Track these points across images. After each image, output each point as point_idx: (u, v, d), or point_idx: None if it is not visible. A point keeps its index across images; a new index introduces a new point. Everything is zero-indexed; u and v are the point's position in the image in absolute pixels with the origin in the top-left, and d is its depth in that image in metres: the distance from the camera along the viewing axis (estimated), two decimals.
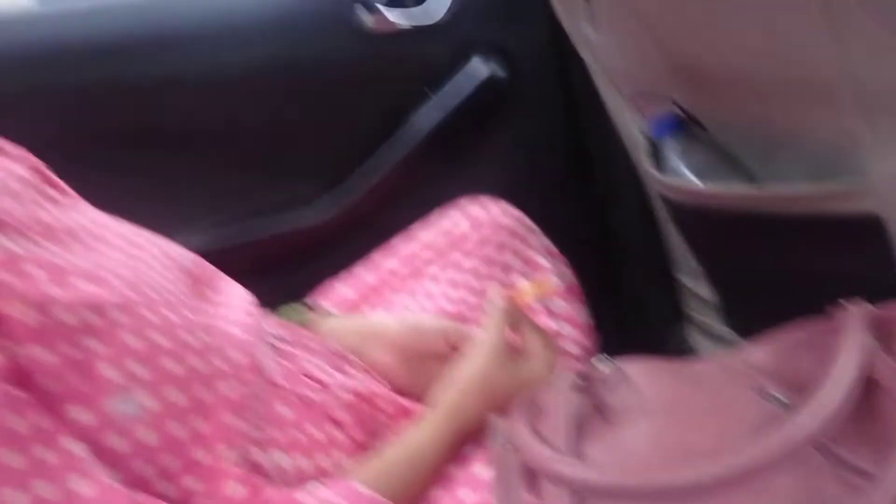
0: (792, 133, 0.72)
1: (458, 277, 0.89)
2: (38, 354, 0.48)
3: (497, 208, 0.92)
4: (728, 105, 0.77)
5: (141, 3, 1.16)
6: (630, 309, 1.30)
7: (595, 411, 0.55)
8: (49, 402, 0.48)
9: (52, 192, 0.68)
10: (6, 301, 0.48)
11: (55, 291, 0.51)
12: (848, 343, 0.51)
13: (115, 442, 0.51)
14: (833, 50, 0.58)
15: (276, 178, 1.18)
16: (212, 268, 0.75)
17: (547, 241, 0.93)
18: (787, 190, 0.74)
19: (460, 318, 0.85)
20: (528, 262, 0.90)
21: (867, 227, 0.68)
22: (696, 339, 1.16)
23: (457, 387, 0.68)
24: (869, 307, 0.57)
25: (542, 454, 0.52)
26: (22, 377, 0.47)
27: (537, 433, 0.54)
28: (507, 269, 0.89)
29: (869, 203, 0.67)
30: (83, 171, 0.70)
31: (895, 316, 0.60)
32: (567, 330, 0.89)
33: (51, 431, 0.47)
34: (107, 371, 0.51)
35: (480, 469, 0.60)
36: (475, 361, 0.68)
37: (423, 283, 0.91)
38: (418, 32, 1.17)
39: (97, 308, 0.53)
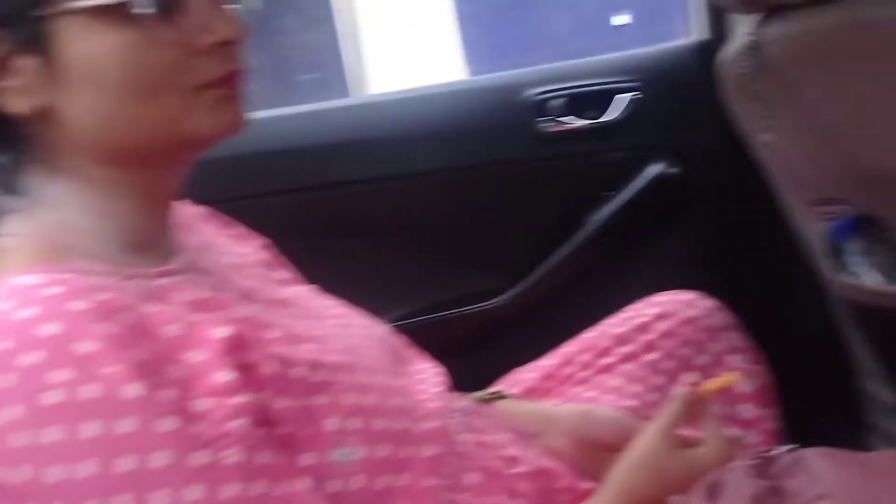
0: None
1: (638, 371, 0.88)
2: (275, 401, 0.57)
3: (686, 301, 0.91)
4: None
5: (349, 107, 1.33)
6: (810, 414, 1.26)
7: (772, 495, 0.57)
8: (284, 444, 0.56)
9: (282, 272, 0.80)
10: (253, 352, 0.57)
11: (289, 350, 0.60)
12: None
13: (333, 486, 0.58)
14: None
15: (462, 271, 1.27)
16: (407, 344, 0.83)
17: (742, 339, 0.90)
18: None
19: (638, 412, 0.84)
20: (716, 359, 0.88)
21: None
22: (880, 447, 1.11)
23: (627, 466, 0.70)
24: None
25: None
26: (262, 419, 0.56)
27: None
28: (691, 364, 0.87)
29: None
30: (299, 256, 0.83)
31: None
32: (751, 437, 0.88)
33: (288, 468, 0.55)
34: (328, 422, 0.59)
35: None
36: (646, 443, 0.71)
37: (603, 375, 0.91)
38: (596, 134, 1.25)
39: (320, 366, 0.61)
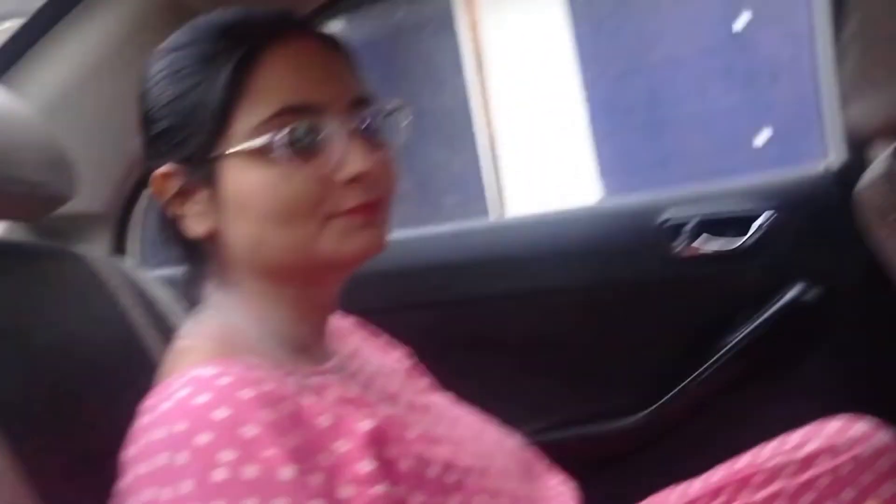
0: None
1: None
2: (411, 496, 0.61)
3: (858, 433, 0.82)
4: None
5: (488, 227, 1.40)
6: None
7: None
8: None
9: (422, 380, 0.85)
10: (393, 448, 0.62)
11: (426, 449, 0.65)
12: None
13: None
14: None
15: (595, 388, 1.28)
16: (537, 457, 0.86)
17: None
18: None
19: None
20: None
21: None
22: None
23: None
24: None
25: None
26: None
27: None
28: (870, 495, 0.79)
29: None
30: (437, 367, 0.87)
31: None
32: None
33: None
34: None
35: None
36: None
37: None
38: (730, 258, 1.25)
39: (454, 468, 0.65)
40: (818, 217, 1.24)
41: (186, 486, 0.53)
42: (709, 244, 1.25)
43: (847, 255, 1.20)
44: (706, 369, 1.23)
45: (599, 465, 1.23)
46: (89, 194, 1.01)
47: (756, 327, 1.22)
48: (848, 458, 0.80)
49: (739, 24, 3.60)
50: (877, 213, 0.93)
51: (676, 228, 1.26)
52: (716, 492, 0.87)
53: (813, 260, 1.24)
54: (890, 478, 0.79)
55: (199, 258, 0.70)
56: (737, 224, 1.25)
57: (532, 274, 1.30)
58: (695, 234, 1.25)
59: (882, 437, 0.82)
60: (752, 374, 1.23)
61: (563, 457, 0.96)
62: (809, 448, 0.82)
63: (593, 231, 1.32)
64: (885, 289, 1.07)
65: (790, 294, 1.22)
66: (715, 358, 1.23)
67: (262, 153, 0.63)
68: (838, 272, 1.23)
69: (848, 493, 0.79)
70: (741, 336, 1.22)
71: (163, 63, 0.67)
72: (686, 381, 1.24)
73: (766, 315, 1.22)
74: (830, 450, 0.81)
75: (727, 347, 1.23)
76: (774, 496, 0.82)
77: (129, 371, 0.74)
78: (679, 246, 1.26)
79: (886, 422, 0.86)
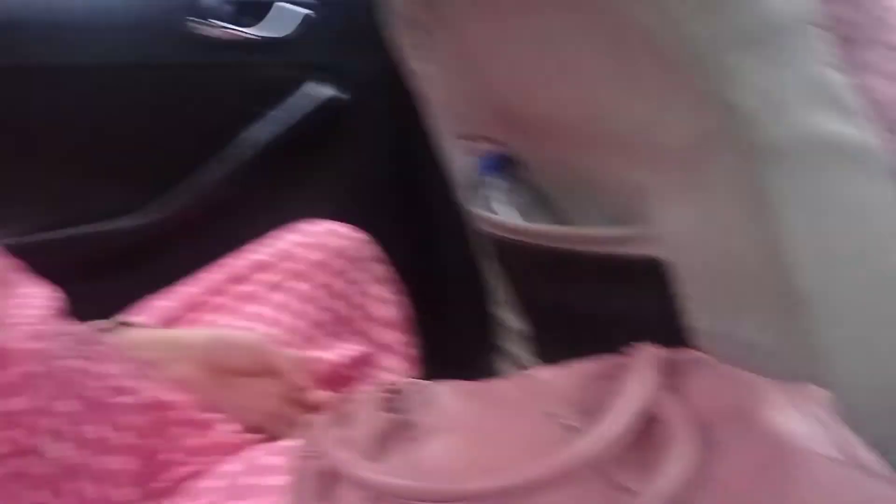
0: (596, 179, 0.78)
1: (286, 300, 0.88)
2: None
3: (336, 231, 0.91)
4: (545, 149, 0.82)
5: None
6: (448, 339, 1.34)
7: (400, 428, 0.57)
8: None
9: None
10: None
11: None
12: (635, 379, 0.56)
13: None
14: (634, 110, 0.65)
15: (98, 183, 1.13)
16: (14, 266, 0.71)
17: (388, 270, 0.93)
18: (585, 231, 0.80)
19: (284, 340, 0.84)
20: (364, 289, 0.91)
21: (655, 272, 0.74)
22: (508, 370, 1.21)
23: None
24: (658, 349, 0.63)
25: (342, 459, 0.53)
26: None
27: (341, 442, 0.56)
28: (341, 295, 0.89)
29: (655, 249, 0.73)
30: None
31: (680, 359, 0.67)
32: (396, 362, 0.90)
33: None
34: None
35: (277, 479, 0.60)
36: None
37: (248, 303, 0.88)
38: (255, 48, 1.17)
39: None
40: (349, 17, 1.20)
41: None
42: (235, 30, 1.15)
43: (376, 55, 1.20)
44: (219, 167, 1.16)
45: (95, 271, 1.11)
46: None
47: (276, 124, 1.17)
48: (330, 252, 0.89)
49: None
50: (399, 12, 0.92)
51: (206, 10, 1.12)
52: (207, 290, 0.89)
53: (341, 58, 1.21)
54: (363, 268, 0.90)
55: None
56: (263, 11, 1.16)
57: (36, 47, 1.05)
58: (222, 17, 1.13)
59: (356, 235, 0.91)
60: (268, 175, 1.19)
61: (48, 264, 0.83)
62: (298, 243, 0.89)
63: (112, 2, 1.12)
64: (404, 91, 1.09)
65: (315, 91, 1.19)
66: (228, 155, 1.16)
67: None
68: (367, 73, 1.22)
69: (333, 281, 0.88)
70: (260, 133, 1.17)
71: None
72: (194, 179, 1.15)
73: (288, 112, 1.18)
74: (316, 245, 0.89)
75: (243, 145, 1.16)
76: (271, 287, 0.87)
77: None
78: (205, 28, 1.13)
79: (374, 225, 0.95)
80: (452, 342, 1.32)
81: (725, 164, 0.64)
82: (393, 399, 0.58)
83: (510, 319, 1.15)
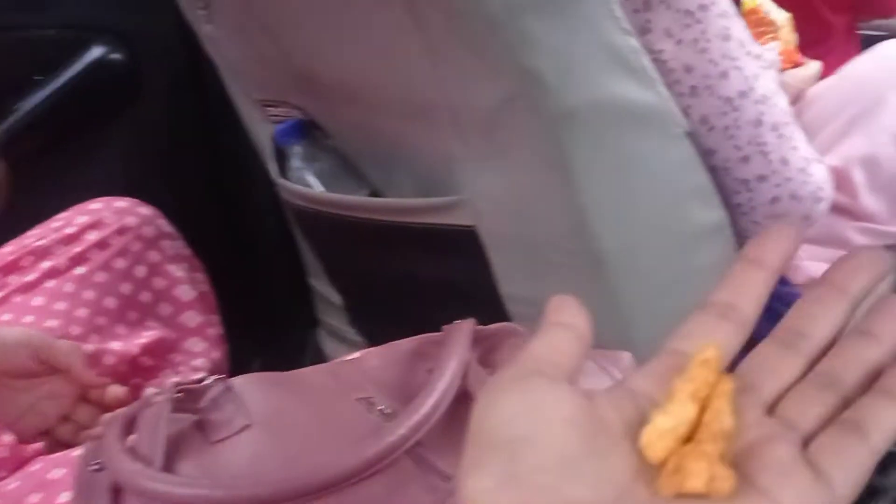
0: (402, 147, 0.75)
1: (64, 287, 0.79)
2: None
3: (122, 208, 0.84)
4: (346, 116, 0.79)
5: None
6: (267, 315, 1.28)
7: (197, 430, 0.52)
8: None
9: None
10: None
11: None
12: (450, 356, 0.54)
13: None
14: (432, 76, 0.62)
15: None
16: None
17: (181, 247, 0.87)
18: (395, 202, 0.78)
19: (62, 331, 0.76)
20: (155, 269, 0.84)
21: (466, 240, 0.73)
22: (329, 343, 1.18)
23: None
24: (472, 324, 0.62)
25: (130, 470, 0.48)
26: None
27: (130, 451, 0.50)
28: (128, 276, 0.82)
29: (466, 217, 0.72)
30: None
31: (495, 332, 0.66)
32: (197, 344, 0.85)
33: None
34: None
35: (62, 496, 0.54)
36: None
37: (23, 294, 0.80)
38: (25, 9, 1.04)
39: None
40: None
41: None
42: None
43: (163, 17, 1.10)
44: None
45: None
46: None
47: (53, 91, 1.05)
48: (113, 231, 0.82)
49: None
50: None
51: None
52: None
53: (124, 20, 1.10)
54: (151, 246, 0.84)
55: None
56: None
57: None
58: None
59: (143, 211, 0.85)
60: (47, 147, 1.08)
61: None
62: (77, 224, 0.82)
63: None
64: (194, 54, 1.01)
65: (95, 54, 1.08)
66: (13, 120, 1.04)
67: None
68: (151, 34, 1.12)
69: (119, 263, 0.81)
70: (35, 101, 1.05)
71: None
72: None
73: (65, 77, 1.06)
74: (96, 224, 0.82)
75: (17, 115, 1.04)
76: (48, 274, 0.80)
77: None
78: None
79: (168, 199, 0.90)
80: (269, 318, 1.27)
81: (526, 130, 0.64)
82: (188, 398, 0.52)
83: (328, 292, 1.11)
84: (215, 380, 0.53)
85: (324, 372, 0.60)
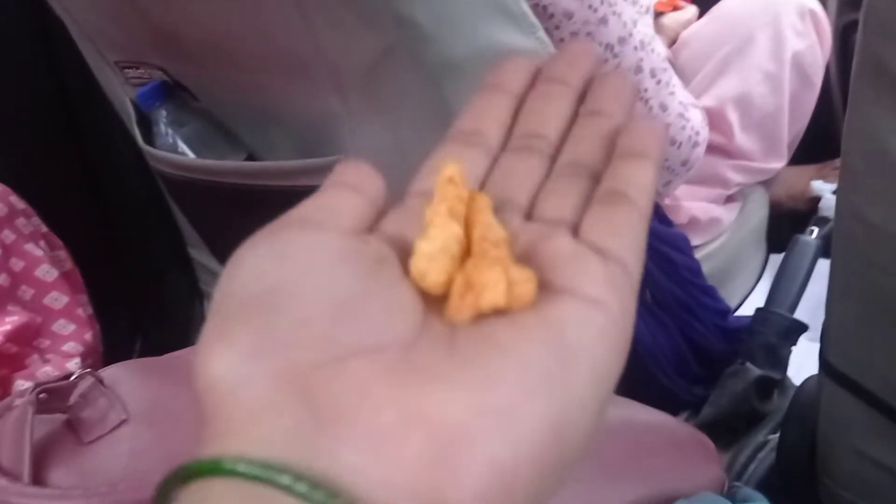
0: (278, 107, 0.71)
1: None
2: None
3: None
4: (215, 76, 0.73)
5: None
6: (146, 291, 1.21)
7: (67, 429, 0.48)
8: None
9: None
10: None
11: None
12: None
13: None
14: (303, 28, 0.58)
15: None
16: None
17: (38, 224, 0.80)
18: (274, 165, 0.73)
19: None
20: (11, 249, 0.77)
21: None
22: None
23: None
24: None
25: None
26: None
27: None
28: None
29: None
30: None
31: None
32: (65, 326, 0.79)
33: None
34: None
35: None
36: None
37: None
38: None
39: None
40: None
41: None
42: None
43: None
44: None
45: None
46: None
47: None
48: None
49: None
50: None
51: None
52: None
53: None
54: (5, 225, 0.77)
55: None
56: None
57: None
58: None
59: None
60: None
61: None
62: None
63: None
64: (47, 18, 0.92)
65: None
66: None
67: None
68: None
69: None
70: None
71: None
72: None
73: None
74: None
75: None
76: None
77: None
78: None
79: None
80: (149, 293, 1.20)
81: (407, 83, 0.61)
82: (54, 397, 0.48)
83: (210, 262, 1.06)
84: (82, 373, 0.49)
85: (184, 356, 0.56)
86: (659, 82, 0.75)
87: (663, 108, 0.76)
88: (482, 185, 0.26)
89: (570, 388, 0.20)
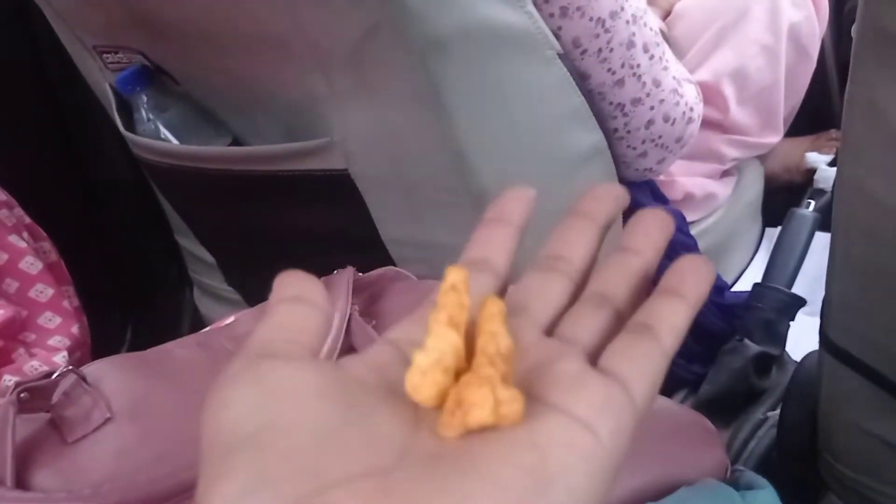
0: (262, 90, 0.69)
1: None
2: None
3: None
4: (195, 59, 0.71)
5: None
6: (135, 281, 1.19)
7: (51, 429, 0.46)
8: None
9: None
10: None
11: None
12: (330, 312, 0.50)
13: None
14: (284, 6, 0.56)
15: None
16: None
17: (21, 215, 0.79)
18: (259, 149, 0.72)
19: None
20: None
21: (340, 184, 0.69)
22: (206, 303, 1.11)
23: None
24: (351, 272, 0.58)
25: None
26: None
27: None
28: None
29: (337, 160, 0.67)
30: None
31: (377, 279, 0.62)
32: (51, 319, 0.77)
33: None
34: None
35: None
36: None
37: None
38: None
39: None
40: None
41: None
42: None
43: None
44: None
45: None
46: None
47: None
48: None
49: None
50: None
51: None
52: None
53: None
54: None
55: None
56: None
57: None
58: None
59: None
60: None
61: None
62: None
63: None
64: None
65: None
66: None
67: None
68: None
69: None
70: None
71: None
72: None
73: None
74: None
75: None
76: None
77: None
78: None
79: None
80: (138, 283, 1.19)
81: (393, 62, 0.59)
82: (36, 396, 0.46)
83: (198, 250, 1.04)
84: (64, 371, 0.47)
85: (192, 345, 0.55)
86: (652, 57, 0.73)
87: (657, 83, 0.75)
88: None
89: None
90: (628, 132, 0.76)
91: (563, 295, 0.27)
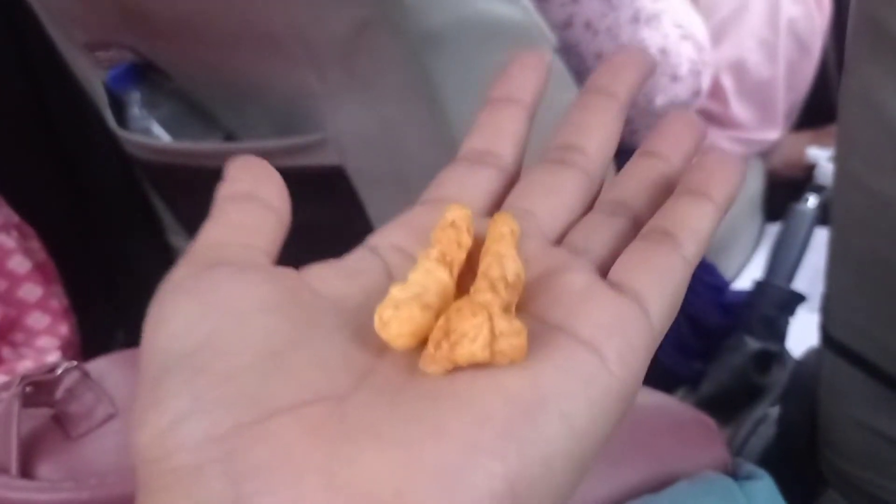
0: (254, 85, 0.69)
1: None
2: None
3: None
4: (187, 54, 0.71)
5: None
6: (126, 281, 1.19)
7: (54, 424, 0.46)
8: None
9: None
10: None
11: None
12: None
13: None
14: (275, 0, 0.56)
15: None
16: None
17: (9, 214, 0.78)
18: (252, 145, 0.71)
19: None
20: None
21: (334, 181, 0.68)
22: None
23: None
24: None
25: None
26: None
27: None
28: None
29: (332, 156, 0.67)
30: None
31: None
32: (39, 320, 0.77)
33: None
34: None
35: None
36: None
37: None
38: None
39: None
40: None
41: None
42: None
43: None
44: None
45: None
46: None
47: None
48: None
49: None
50: None
51: None
52: None
53: None
54: None
55: None
56: None
57: None
58: None
59: None
60: None
61: None
62: None
63: None
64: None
65: None
66: None
67: None
68: None
69: None
70: None
71: None
72: None
73: None
74: None
75: None
76: None
77: None
78: None
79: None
80: (129, 284, 1.18)
81: (388, 57, 0.58)
82: (39, 390, 0.46)
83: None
84: (69, 367, 0.47)
85: None
86: (654, 29, 0.76)
87: (664, 52, 0.77)
88: (499, 205, 0.23)
89: (532, 445, 0.17)
90: (643, 108, 0.78)
91: (575, 194, 0.23)
